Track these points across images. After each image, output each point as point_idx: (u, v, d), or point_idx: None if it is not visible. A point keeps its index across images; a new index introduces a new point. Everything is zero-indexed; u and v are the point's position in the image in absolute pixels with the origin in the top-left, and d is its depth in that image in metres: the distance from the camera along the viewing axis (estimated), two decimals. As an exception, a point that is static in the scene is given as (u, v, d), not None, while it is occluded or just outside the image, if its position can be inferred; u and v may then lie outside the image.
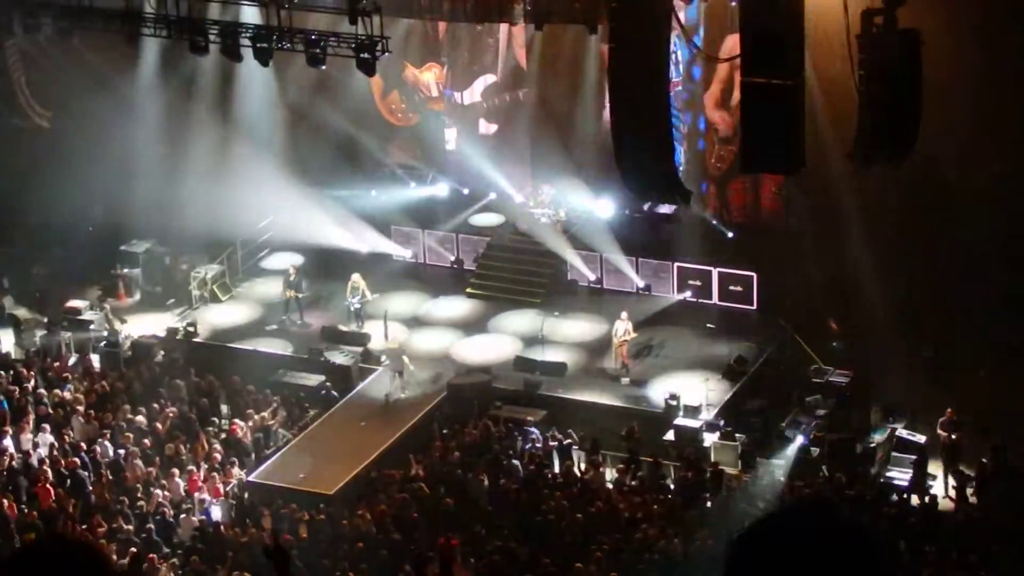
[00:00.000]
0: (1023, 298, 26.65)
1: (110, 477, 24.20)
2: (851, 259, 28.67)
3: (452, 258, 32.03)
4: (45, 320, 30.27)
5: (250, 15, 27.16)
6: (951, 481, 24.02)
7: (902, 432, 24.93)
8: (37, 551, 3.51)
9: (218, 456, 24.89)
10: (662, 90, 21.56)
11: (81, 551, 3.48)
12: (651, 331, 28.60)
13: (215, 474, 24.32)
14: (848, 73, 19.54)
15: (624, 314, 27.71)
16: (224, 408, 26.81)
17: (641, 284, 30.17)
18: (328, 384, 27.35)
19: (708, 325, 28.78)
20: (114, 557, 21.20)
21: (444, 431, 25.51)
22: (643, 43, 20.96)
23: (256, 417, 26.05)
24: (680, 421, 25.39)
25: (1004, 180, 26.53)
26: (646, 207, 30.35)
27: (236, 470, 24.66)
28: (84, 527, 22.68)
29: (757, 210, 30.57)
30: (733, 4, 25.19)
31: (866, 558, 3.32)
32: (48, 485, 23.79)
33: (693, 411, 25.60)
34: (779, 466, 24.06)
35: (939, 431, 24.34)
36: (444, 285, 31.55)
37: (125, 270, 32.07)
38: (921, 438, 24.73)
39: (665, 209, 29.89)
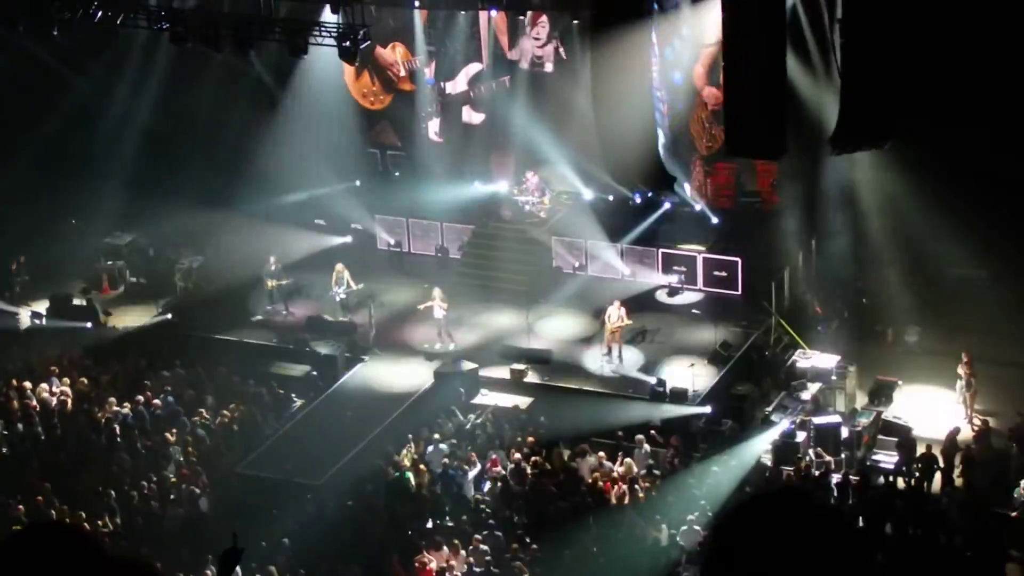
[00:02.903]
0: (1008, 279, 26.74)
1: (97, 470, 24.16)
2: (836, 243, 28.71)
3: (436, 246, 32.01)
4: (31, 312, 30.22)
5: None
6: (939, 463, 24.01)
7: (887, 415, 25.01)
8: (28, 537, 3.49)
9: (204, 448, 24.85)
10: (644, 76, 21.64)
11: (72, 535, 3.47)
12: (637, 318, 28.61)
13: (202, 466, 24.28)
14: (830, 59, 19.58)
15: (616, 301, 27.70)
16: (210, 399, 26.77)
17: (624, 271, 30.16)
18: (315, 374, 27.35)
19: (694, 311, 28.79)
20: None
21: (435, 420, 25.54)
22: (624, 29, 21.03)
23: (242, 408, 26.01)
24: (667, 407, 25.44)
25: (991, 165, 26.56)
26: (636, 197, 30.44)
27: (223, 461, 24.63)
28: (71, 519, 22.66)
29: (740, 192, 30.53)
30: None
31: (840, 543, 3.42)
32: (34, 478, 23.76)
33: (680, 397, 25.65)
34: (765, 450, 24.12)
35: (948, 438, 24.10)
36: (429, 273, 31.50)
37: (109, 262, 32.01)
38: (907, 421, 24.79)
39: (651, 197, 29.95)
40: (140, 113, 32.61)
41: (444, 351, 28.09)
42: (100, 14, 27.23)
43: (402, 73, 32.95)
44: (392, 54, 32.81)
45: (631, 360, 27.58)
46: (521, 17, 31.11)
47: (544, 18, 30.90)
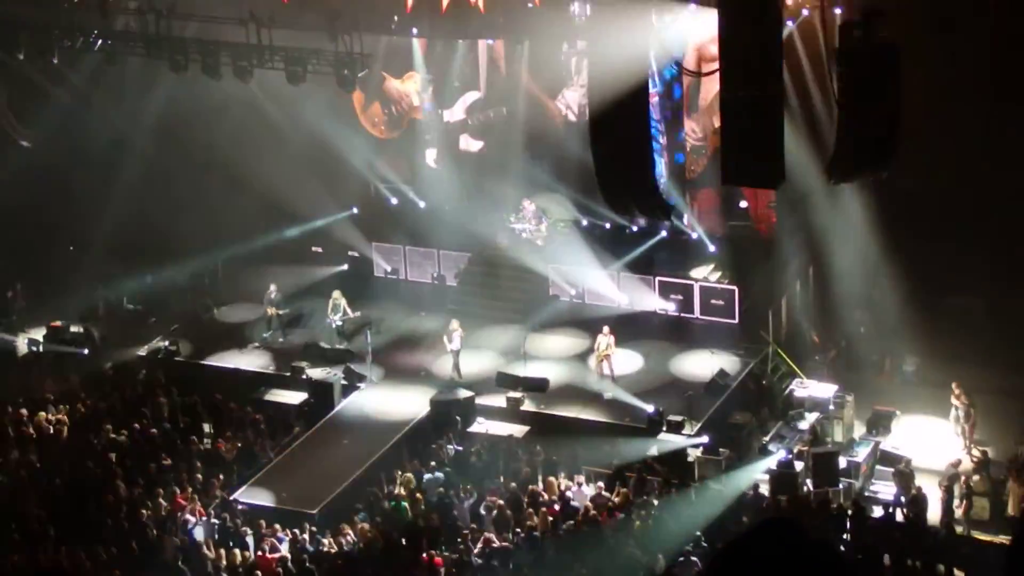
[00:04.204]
0: (1004, 309, 26.75)
1: (93, 497, 24.06)
2: (834, 271, 28.70)
3: (434, 274, 32.01)
4: (28, 339, 30.19)
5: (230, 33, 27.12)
6: (938, 494, 23.91)
7: (886, 446, 24.93)
8: None
9: (200, 476, 24.77)
10: (642, 105, 21.64)
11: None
12: (632, 346, 28.58)
13: (197, 494, 24.19)
14: (826, 88, 19.59)
15: (606, 328, 27.72)
16: (206, 427, 26.72)
17: (621, 299, 30.12)
18: (311, 401, 27.29)
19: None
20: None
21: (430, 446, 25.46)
22: (622, 57, 21.05)
23: (238, 435, 25.94)
24: (663, 436, 25.37)
25: (988, 194, 26.59)
26: (633, 225, 30.45)
27: (218, 490, 24.54)
28: (65, 548, 22.57)
29: (731, 219, 30.49)
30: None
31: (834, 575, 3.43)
32: (30, 506, 23.67)
33: (676, 426, 25.58)
34: (762, 481, 24.03)
35: (947, 469, 24.01)
36: (425, 301, 31.50)
37: (107, 289, 31.91)
38: (905, 451, 24.71)
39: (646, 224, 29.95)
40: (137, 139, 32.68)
41: (453, 382, 27.95)
42: (100, 42, 27.31)
43: (416, 103, 32.90)
44: (406, 85, 32.77)
45: (627, 388, 27.49)
46: (568, 73, 30.85)
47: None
